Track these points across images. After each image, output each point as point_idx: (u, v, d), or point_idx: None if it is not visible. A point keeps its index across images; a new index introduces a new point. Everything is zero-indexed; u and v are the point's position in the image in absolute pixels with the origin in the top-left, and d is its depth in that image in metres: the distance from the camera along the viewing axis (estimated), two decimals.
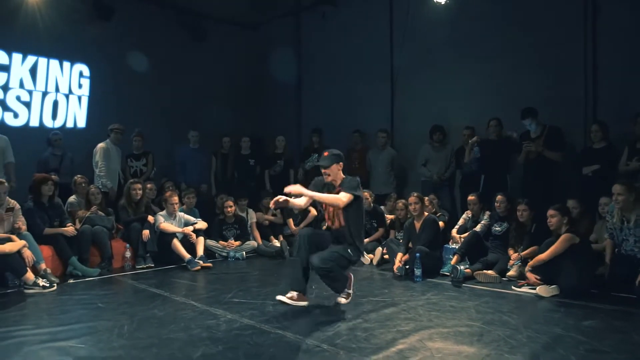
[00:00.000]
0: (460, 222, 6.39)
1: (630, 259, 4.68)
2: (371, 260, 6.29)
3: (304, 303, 4.09)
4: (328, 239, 4.33)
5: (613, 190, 4.77)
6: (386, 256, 6.14)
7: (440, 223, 6.16)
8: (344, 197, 4.05)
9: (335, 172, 4.22)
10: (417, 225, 5.72)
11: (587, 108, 6.43)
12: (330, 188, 4.28)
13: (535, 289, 4.61)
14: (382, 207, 7.10)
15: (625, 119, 5.74)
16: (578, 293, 4.43)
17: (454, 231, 6.28)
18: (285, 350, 3.20)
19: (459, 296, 4.62)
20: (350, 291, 4.33)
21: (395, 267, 5.55)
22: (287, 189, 3.96)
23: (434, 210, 6.51)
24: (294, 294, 4.07)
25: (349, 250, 4.19)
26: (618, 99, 6.15)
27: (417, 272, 5.25)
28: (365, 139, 8.44)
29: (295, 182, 8.27)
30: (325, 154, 4.28)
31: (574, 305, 4.20)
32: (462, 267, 5.25)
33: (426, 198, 6.30)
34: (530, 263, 4.74)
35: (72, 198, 6.48)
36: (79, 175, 6.64)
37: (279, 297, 4.03)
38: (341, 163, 4.28)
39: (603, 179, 5.54)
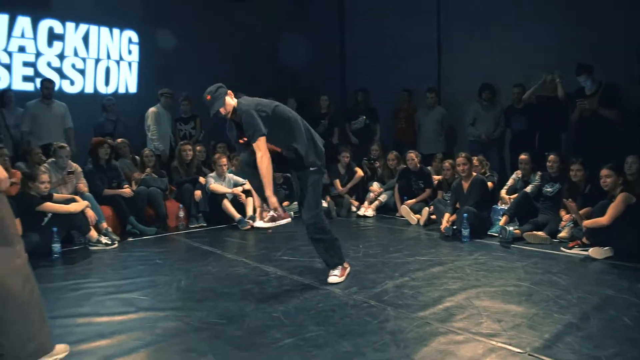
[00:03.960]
0: (510, 182, 6.27)
1: None
2: (418, 221, 6.30)
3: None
4: None
5: None
6: (433, 216, 6.14)
7: (489, 183, 6.07)
8: (260, 153, 3.42)
9: (230, 105, 3.56)
10: (465, 185, 5.66)
11: None
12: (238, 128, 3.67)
13: (587, 250, 4.52)
14: (429, 168, 7.05)
15: None
16: (633, 255, 4.32)
17: (503, 192, 6.19)
18: (334, 305, 3.30)
19: (507, 257, 4.60)
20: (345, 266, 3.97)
21: (442, 227, 5.55)
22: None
23: (483, 170, 6.41)
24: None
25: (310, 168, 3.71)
26: None
27: (465, 232, 5.23)
28: (412, 98, 8.31)
29: (339, 141, 8.37)
30: (208, 97, 3.56)
31: (628, 268, 4.11)
32: (511, 228, 5.19)
33: (475, 158, 6.21)
34: (587, 223, 4.60)
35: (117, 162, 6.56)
36: (120, 139, 6.86)
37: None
38: (229, 92, 3.61)
39: None
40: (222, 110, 3.53)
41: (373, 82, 8.78)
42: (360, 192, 7.53)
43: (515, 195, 5.83)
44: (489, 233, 5.51)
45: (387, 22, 8.80)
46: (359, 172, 7.43)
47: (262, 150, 3.43)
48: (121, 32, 8.17)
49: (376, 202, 7.10)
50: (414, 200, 6.65)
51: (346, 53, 9.89)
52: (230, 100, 3.59)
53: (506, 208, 5.65)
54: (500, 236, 5.19)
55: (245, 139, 3.56)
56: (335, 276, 3.82)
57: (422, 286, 3.69)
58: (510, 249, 4.91)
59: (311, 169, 3.71)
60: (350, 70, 9.81)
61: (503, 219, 5.42)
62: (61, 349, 2.57)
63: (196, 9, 8.58)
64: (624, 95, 5.94)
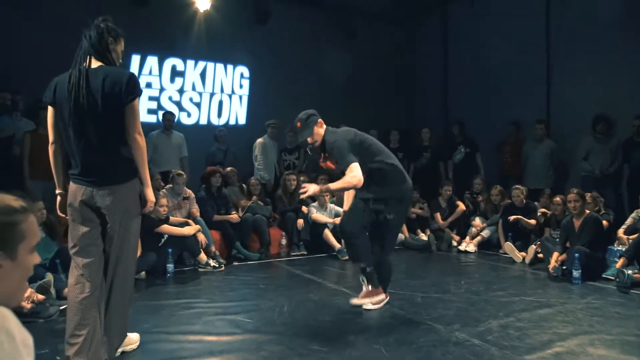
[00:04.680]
0: (629, 221, 5.79)
1: None
2: (523, 259, 6.01)
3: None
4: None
5: None
6: (540, 255, 5.82)
7: (604, 222, 5.67)
8: (352, 172, 3.51)
9: (320, 134, 3.74)
10: (577, 223, 5.33)
11: None
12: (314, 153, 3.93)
13: None
14: (535, 203, 6.72)
15: None
16: None
17: (620, 231, 5.72)
18: (436, 341, 3.25)
19: (626, 303, 4.24)
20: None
21: (550, 267, 5.24)
22: (305, 194, 3.60)
23: (597, 208, 6.00)
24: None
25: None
26: None
27: (576, 273, 4.90)
28: (520, 131, 8.02)
29: (445, 175, 8.26)
30: (298, 124, 3.77)
31: None
32: (629, 272, 4.78)
33: (588, 195, 5.84)
34: None
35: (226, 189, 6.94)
36: (229, 168, 7.26)
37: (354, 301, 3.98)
38: (319, 120, 3.77)
39: None
40: (309, 139, 3.69)
41: (476, 113, 8.61)
42: (462, 227, 7.35)
43: (635, 236, 5.37)
44: (603, 276, 5.12)
45: (492, 51, 8.61)
46: (461, 206, 7.26)
47: (357, 177, 3.52)
48: (234, 68, 8.77)
49: (478, 238, 6.87)
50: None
51: (448, 85, 9.81)
52: (320, 130, 3.70)
53: (624, 249, 5.23)
54: (618, 280, 4.79)
55: (328, 163, 3.74)
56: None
57: (528, 328, 3.52)
58: (629, 295, 4.51)
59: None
60: (453, 101, 9.69)
61: (620, 261, 5.01)
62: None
63: (302, 45, 9.02)
64: None
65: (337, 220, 6.53)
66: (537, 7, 8.00)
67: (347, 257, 6.14)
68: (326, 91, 9.19)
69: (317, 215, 6.56)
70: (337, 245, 6.30)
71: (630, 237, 5.48)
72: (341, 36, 9.43)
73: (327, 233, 6.43)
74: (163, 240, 5.36)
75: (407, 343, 3.21)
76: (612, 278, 4.94)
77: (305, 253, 6.55)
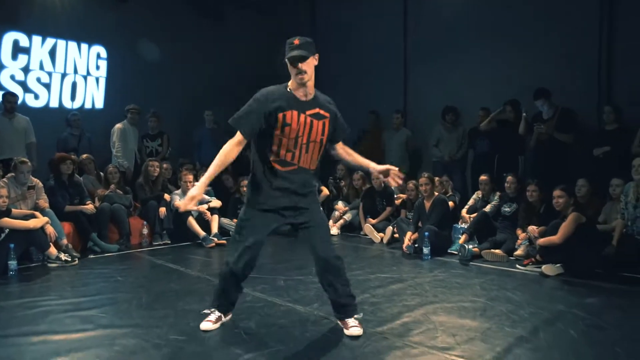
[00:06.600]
0: (470, 202, 6.46)
1: (638, 240, 4.74)
2: (382, 239, 6.41)
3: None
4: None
5: (634, 163, 4.84)
6: (396, 235, 6.25)
7: (451, 203, 6.25)
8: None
9: (312, 71, 2.95)
10: (427, 205, 5.81)
11: (601, 91, 6.42)
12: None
13: (540, 267, 4.70)
14: (392, 187, 7.17)
15: (638, 102, 5.73)
16: (583, 272, 4.51)
17: (463, 211, 6.36)
18: (295, 321, 3.35)
19: (466, 274, 4.73)
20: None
21: (404, 246, 5.67)
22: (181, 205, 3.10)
23: (444, 190, 6.59)
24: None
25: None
26: (632, 83, 6.12)
27: (426, 250, 5.36)
28: (379, 120, 8.48)
29: None
30: (296, 42, 2.87)
31: (578, 284, 4.29)
32: (470, 246, 5.34)
33: (437, 178, 6.39)
34: (541, 242, 4.79)
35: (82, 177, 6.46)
36: (84, 155, 6.80)
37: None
38: (317, 55, 2.93)
39: (614, 160, 5.60)
40: (306, 65, 2.85)
41: (339, 102, 8.89)
42: (326, 211, 7.57)
43: (475, 215, 6.01)
44: (449, 251, 5.66)
45: (355, 44, 9.03)
46: (325, 191, 7.50)
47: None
48: (89, 47, 8.10)
49: (341, 221, 7.19)
50: (377, 219, 6.76)
51: (316, 75, 10.02)
52: (314, 65, 2.93)
53: (466, 227, 5.82)
54: (460, 254, 5.34)
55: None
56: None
57: (381, 302, 3.77)
58: (469, 267, 5.05)
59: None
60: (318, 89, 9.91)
61: (462, 238, 5.58)
62: None
63: (165, 27, 8.59)
64: (579, 121, 6.23)
65: (202, 207, 6.42)
66: (396, 6, 8.54)
67: (212, 245, 6.06)
68: (193, 76, 8.92)
69: (180, 203, 6.34)
70: (202, 233, 6.17)
71: (472, 215, 6.12)
72: (207, 21, 9.16)
73: (191, 221, 6.26)
74: (3, 235, 4.81)
75: (267, 325, 3.27)
76: (456, 253, 5.48)
77: (169, 242, 6.33)
